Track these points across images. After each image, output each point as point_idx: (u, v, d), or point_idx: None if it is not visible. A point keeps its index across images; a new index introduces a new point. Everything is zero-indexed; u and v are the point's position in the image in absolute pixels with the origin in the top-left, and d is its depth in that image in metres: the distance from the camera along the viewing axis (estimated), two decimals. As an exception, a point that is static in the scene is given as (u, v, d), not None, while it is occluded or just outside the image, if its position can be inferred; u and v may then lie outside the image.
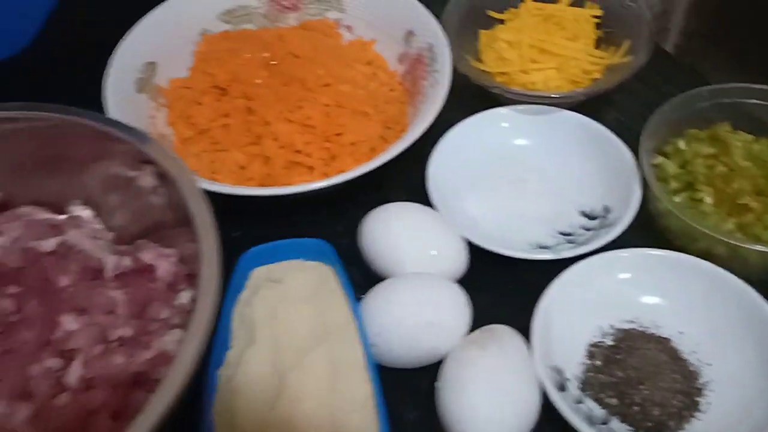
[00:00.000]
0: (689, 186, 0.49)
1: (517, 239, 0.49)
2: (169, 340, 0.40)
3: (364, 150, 0.51)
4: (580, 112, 0.54)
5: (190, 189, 0.41)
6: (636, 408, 0.41)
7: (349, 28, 0.61)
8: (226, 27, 0.60)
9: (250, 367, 0.38)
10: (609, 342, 0.44)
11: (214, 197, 0.40)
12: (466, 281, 0.45)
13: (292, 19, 0.62)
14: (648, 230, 0.50)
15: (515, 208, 0.52)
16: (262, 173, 0.51)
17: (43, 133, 0.46)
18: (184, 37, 0.59)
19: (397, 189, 0.52)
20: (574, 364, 0.43)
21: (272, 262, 0.45)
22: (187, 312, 0.41)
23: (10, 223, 0.46)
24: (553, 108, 0.54)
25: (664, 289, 0.46)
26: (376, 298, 0.42)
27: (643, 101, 0.57)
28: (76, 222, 0.47)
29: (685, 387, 0.42)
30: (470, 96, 0.56)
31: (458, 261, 0.45)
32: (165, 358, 0.39)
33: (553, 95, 0.54)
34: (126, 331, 0.40)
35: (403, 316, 0.41)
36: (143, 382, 0.39)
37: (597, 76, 0.58)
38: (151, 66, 0.56)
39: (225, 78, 0.54)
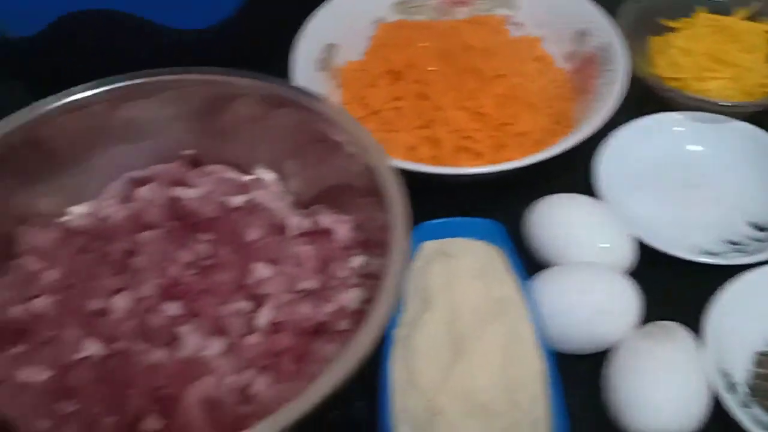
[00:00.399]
0: None
1: (681, 243, 0.49)
2: (348, 297, 0.42)
3: (531, 141, 0.52)
4: (753, 124, 0.54)
5: (380, 161, 0.43)
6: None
7: (517, 25, 0.63)
8: (398, 17, 0.63)
9: (427, 331, 0.40)
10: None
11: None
12: (631, 277, 0.46)
13: (461, 14, 0.64)
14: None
15: (681, 212, 0.51)
16: (430, 155, 0.53)
17: (235, 97, 0.49)
18: (360, 23, 0.62)
19: (558, 181, 0.53)
20: (742, 370, 0.43)
21: (442, 238, 0.47)
22: (364, 275, 0.44)
23: (202, 178, 0.49)
24: (726, 117, 0.54)
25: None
26: (548, 282, 0.43)
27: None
28: (260, 183, 0.50)
29: None
30: (633, 98, 0.57)
31: (627, 256, 0.46)
32: (345, 313, 0.41)
33: (727, 104, 0.54)
34: (311, 284, 0.42)
35: (576, 302, 0.42)
36: (324, 332, 0.41)
37: (771, 89, 0.57)
38: (331, 48, 0.59)
39: (400, 63, 0.57)
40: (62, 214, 0.48)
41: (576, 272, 0.44)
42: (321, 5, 0.60)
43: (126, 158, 0.50)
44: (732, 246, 0.49)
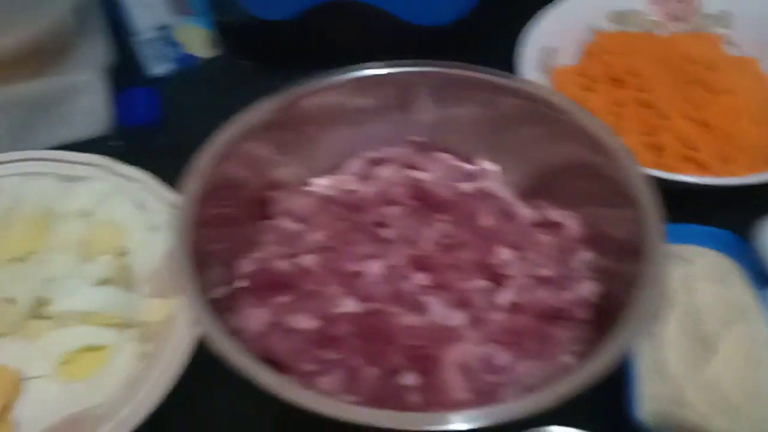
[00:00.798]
0: None
1: None
2: (585, 288, 0.44)
3: (761, 157, 0.52)
4: None
5: (628, 161, 0.44)
6: None
7: (733, 44, 0.63)
8: (614, 26, 0.65)
9: (672, 327, 0.41)
10: None
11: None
12: None
13: (676, 29, 0.65)
14: None
15: None
16: (653, 162, 0.54)
17: (466, 89, 0.52)
18: (576, 30, 0.64)
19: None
20: None
21: (674, 243, 0.47)
22: (597, 270, 0.45)
23: (433, 164, 0.53)
24: None
25: None
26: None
27: None
28: (484, 173, 0.53)
29: None
30: None
31: None
32: (583, 303, 0.43)
33: None
34: (550, 272, 0.44)
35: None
36: (562, 318, 0.43)
37: None
38: (549, 51, 0.61)
39: (621, 70, 0.58)
40: (306, 184, 0.52)
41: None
42: (540, 12, 0.62)
43: (356, 139, 0.54)
44: None
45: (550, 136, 0.49)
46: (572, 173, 0.49)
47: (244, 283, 0.45)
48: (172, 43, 0.68)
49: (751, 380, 0.39)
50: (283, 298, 0.44)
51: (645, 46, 0.60)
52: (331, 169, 0.53)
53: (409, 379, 0.40)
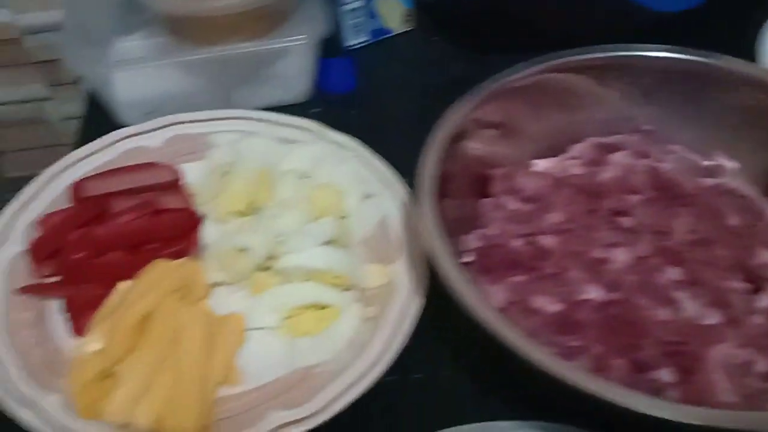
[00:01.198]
0: None
1: None
2: None
3: None
4: None
5: None
6: None
7: None
8: None
9: None
10: None
11: None
12: None
13: None
14: None
15: None
16: None
17: (713, 81, 0.49)
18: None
19: None
20: None
21: None
22: None
23: (666, 155, 0.50)
24: None
25: None
26: None
27: None
28: (722, 169, 0.49)
29: None
30: None
31: None
32: None
33: None
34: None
35: None
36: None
37: None
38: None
39: None
40: (526, 165, 0.50)
41: None
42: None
43: (576, 123, 0.52)
44: None
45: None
46: None
47: (470, 258, 0.44)
48: (372, 15, 0.68)
49: None
50: (520, 278, 0.42)
51: None
52: (547, 152, 0.51)
53: (666, 375, 0.37)
